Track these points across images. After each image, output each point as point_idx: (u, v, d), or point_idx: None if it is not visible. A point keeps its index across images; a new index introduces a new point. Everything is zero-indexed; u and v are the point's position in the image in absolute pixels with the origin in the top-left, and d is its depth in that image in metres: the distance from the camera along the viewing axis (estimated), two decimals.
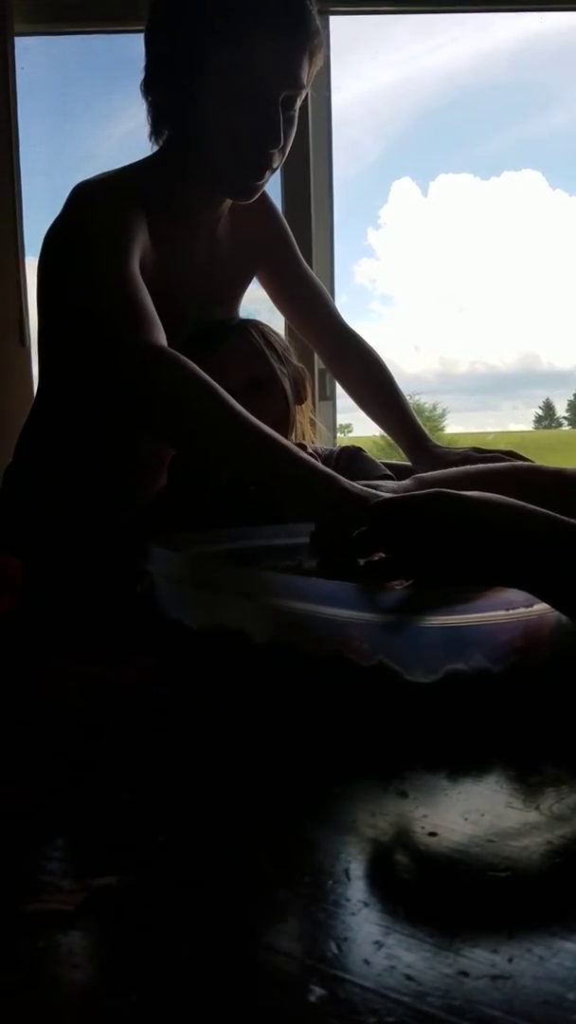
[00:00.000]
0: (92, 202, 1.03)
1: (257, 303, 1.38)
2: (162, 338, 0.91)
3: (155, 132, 1.09)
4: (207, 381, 0.86)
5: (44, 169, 1.91)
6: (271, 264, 1.29)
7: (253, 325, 1.18)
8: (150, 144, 1.10)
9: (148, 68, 1.06)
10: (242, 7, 0.97)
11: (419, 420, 1.25)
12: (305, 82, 1.03)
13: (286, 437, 1.14)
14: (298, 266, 1.30)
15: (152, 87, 1.06)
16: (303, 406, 1.22)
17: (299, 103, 1.05)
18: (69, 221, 1.04)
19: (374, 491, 0.82)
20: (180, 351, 1.14)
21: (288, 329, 1.44)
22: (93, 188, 1.05)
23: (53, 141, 2.02)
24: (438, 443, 1.21)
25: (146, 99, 1.07)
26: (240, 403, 1.11)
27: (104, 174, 1.08)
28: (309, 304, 1.32)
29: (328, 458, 1.17)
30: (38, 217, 1.76)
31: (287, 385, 1.16)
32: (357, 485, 0.82)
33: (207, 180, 1.08)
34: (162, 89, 1.05)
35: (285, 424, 1.16)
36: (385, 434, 1.31)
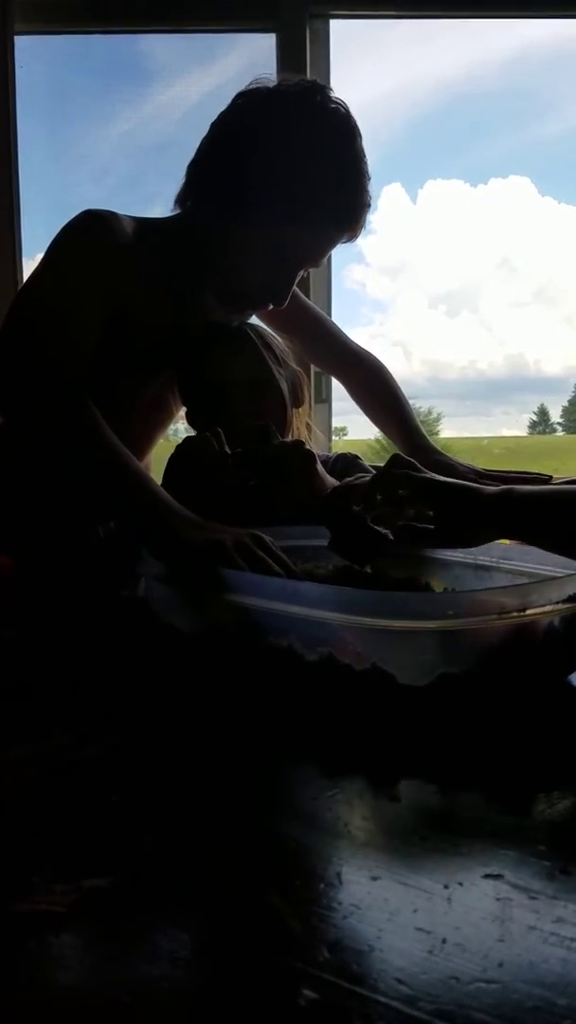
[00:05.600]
0: (93, 221, 1.03)
1: None
2: (77, 374, 0.94)
3: (181, 204, 1.09)
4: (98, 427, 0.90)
5: (42, 169, 1.91)
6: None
7: (252, 328, 1.18)
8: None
9: (204, 163, 1.05)
10: (310, 192, 0.99)
11: (424, 432, 1.25)
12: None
13: (283, 439, 1.14)
14: (295, 300, 1.27)
15: (200, 180, 1.06)
16: (300, 409, 1.23)
17: None
18: (66, 227, 1.03)
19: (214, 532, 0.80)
20: (183, 353, 1.14)
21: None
22: (102, 212, 1.05)
23: (50, 141, 2.02)
24: (445, 453, 1.20)
25: (191, 175, 1.06)
26: (238, 403, 1.12)
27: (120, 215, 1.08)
28: (311, 330, 1.32)
29: (324, 463, 1.17)
30: (35, 218, 1.76)
31: (284, 387, 1.17)
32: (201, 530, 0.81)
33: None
34: (207, 191, 1.05)
35: (282, 426, 1.16)
36: (379, 438, 1.30)
